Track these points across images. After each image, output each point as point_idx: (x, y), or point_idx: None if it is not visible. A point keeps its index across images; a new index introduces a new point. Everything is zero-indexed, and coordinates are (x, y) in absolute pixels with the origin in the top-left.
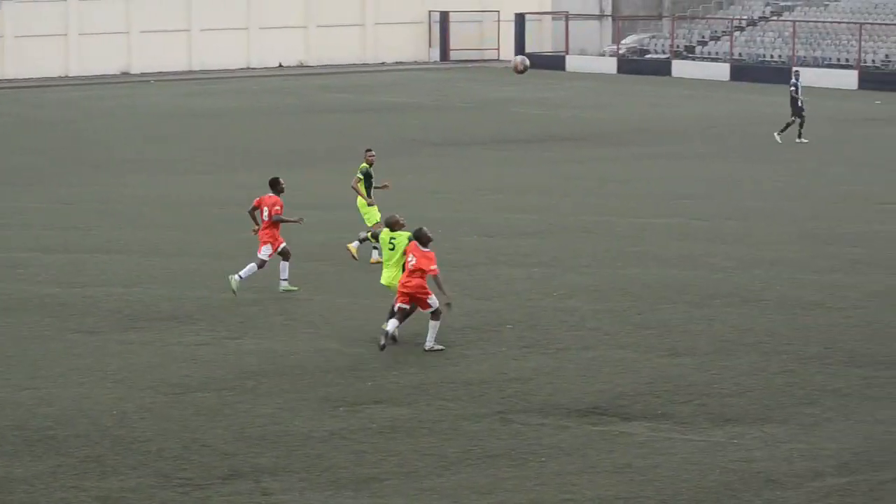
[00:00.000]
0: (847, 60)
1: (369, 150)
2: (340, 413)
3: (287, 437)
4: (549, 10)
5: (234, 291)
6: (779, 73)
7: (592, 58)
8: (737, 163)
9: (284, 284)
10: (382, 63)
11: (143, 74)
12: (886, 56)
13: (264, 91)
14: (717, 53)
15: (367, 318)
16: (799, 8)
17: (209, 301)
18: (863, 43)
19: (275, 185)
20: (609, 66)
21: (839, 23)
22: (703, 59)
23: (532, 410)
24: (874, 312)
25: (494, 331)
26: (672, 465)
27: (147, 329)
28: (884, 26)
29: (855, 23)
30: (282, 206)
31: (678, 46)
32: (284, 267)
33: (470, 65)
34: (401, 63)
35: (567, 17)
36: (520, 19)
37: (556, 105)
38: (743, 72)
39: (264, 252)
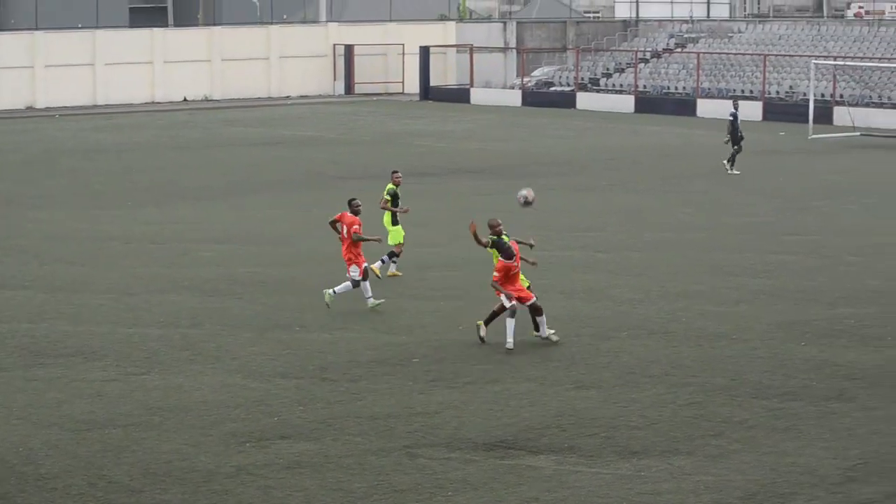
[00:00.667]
0: (751, 92)
1: (396, 172)
2: (247, 448)
3: (193, 472)
4: (453, 42)
5: (327, 305)
6: (683, 105)
7: (497, 90)
8: (641, 194)
9: (371, 302)
10: (287, 96)
11: (48, 109)
12: (790, 87)
13: (169, 125)
14: (621, 85)
15: (272, 353)
16: (703, 40)
17: (115, 337)
18: (767, 74)
19: (351, 205)
20: (514, 98)
21: (743, 54)
22: (607, 91)
23: (439, 445)
24: (780, 344)
25: (401, 365)
26: (579, 499)
27: (53, 365)
28: (787, 58)
29: (759, 54)
30: (360, 226)
31: (583, 79)
32: (366, 286)
33: (375, 98)
34: (306, 96)
35: (471, 49)
36: (424, 52)
37: (461, 138)
38: (647, 104)
39: (353, 272)
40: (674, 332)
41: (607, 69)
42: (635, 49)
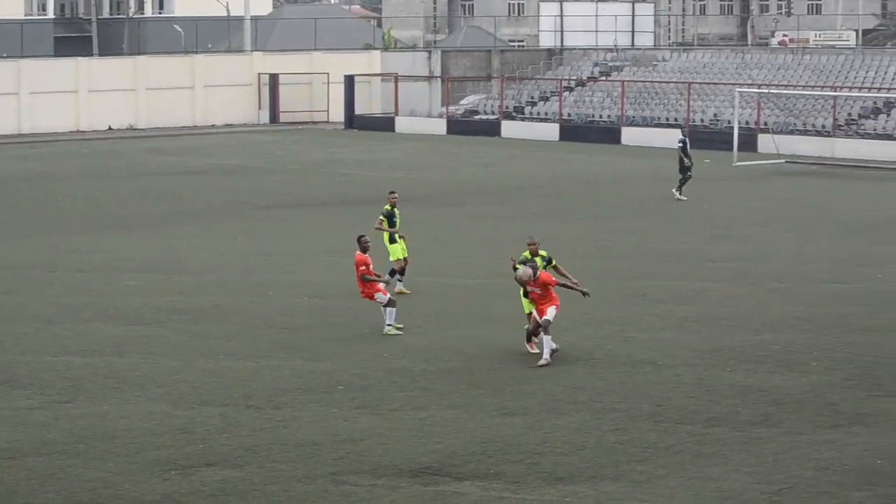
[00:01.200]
0: (676, 120)
1: (392, 193)
2: (172, 476)
3: (118, 500)
4: (378, 71)
5: (399, 330)
6: (608, 133)
7: (422, 119)
8: (566, 222)
9: (389, 329)
10: (213, 125)
11: None
12: (715, 115)
13: (94, 154)
14: (546, 114)
15: (197, 381)
16: (628, 68)
17: (39, 365)
18: (691, 102)
19: (359, 242)
20: (438, 127)
21: (668, 82)
22: (532, 119)
23: (364, 471)
24: (705, 370)
25: (326, 392)
26: None
27: None
28: (712, 86)
29: (683, 82)
30: (367, 266)
31: (507, 107)
32: (391, 313)
33: (300, 126)
34: (231, 125)
35: (396, 78)
36: (349, 81)
37: (386, 166)
38: (572, 132)
39: (380, 298)
40: (599, 358)
41: (532, 97)
42: (560, 77)
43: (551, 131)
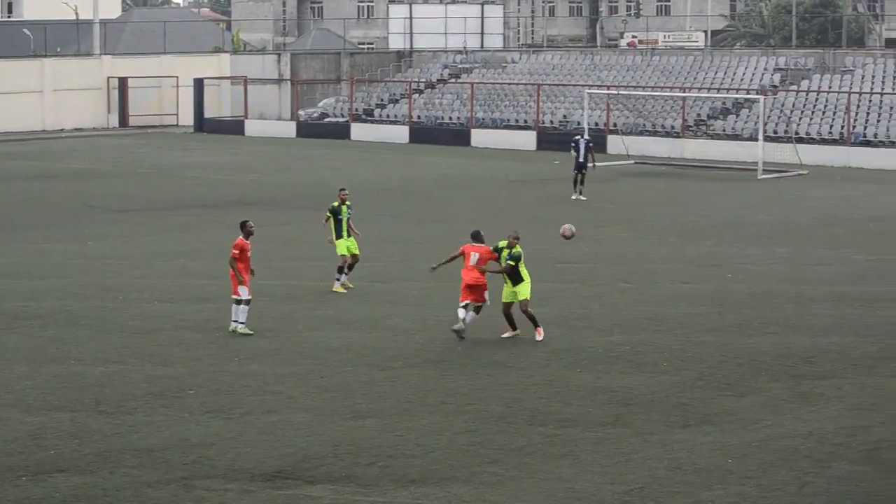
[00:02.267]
0: (525, 121)
1: (343, 190)
2: (23, 483)
3: None
4: (227, 74)
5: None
6: (457, 135)
7: (272, 122)
8: (415, 225)
9: (234, 326)
10: (62, 129)
11: None
12: (564, 116)
13: None
14: (395, 116)
15: (47, 387)
16: (477, 70)
17: None
18: (541, 104)
19: (244, 227)
20: (288, 130)
21: (517, 84)
22: (382, 122)
23: (216, 476)
24: (555, 371)
25: (177, 397)
26: None
27: None
28: (560, 87)
29: (533, 84)
30: (242, 252)
31: (357, 110)
32: (243, 311)
33: (149, 130)
34: (80, 129)
35: (246, 81)
36: (198, 84)
37: (235, 170)
38: (422, 134)
39: (243, 293)
40: (450, 360)
41: (382, 100)
42: (409, 80)
43: (401, 134)
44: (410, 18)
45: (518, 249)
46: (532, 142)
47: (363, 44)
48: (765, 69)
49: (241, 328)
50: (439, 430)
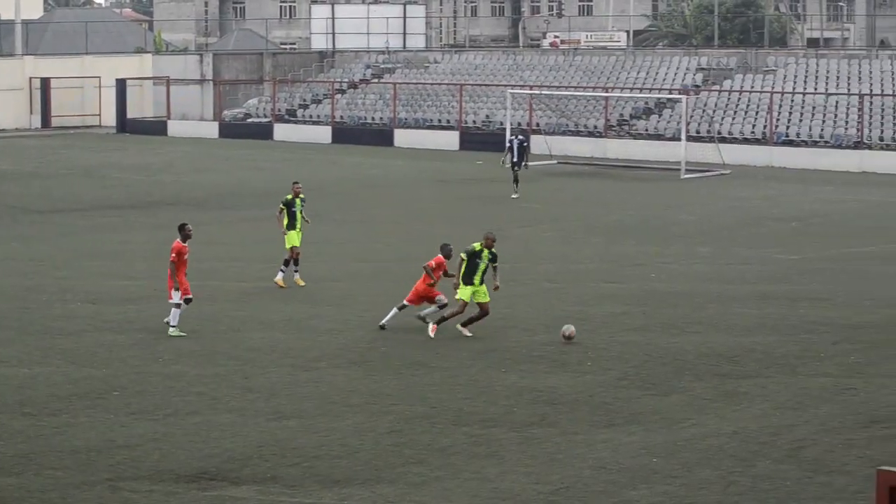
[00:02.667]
0: (448, 121)
1: (296, 183)
2: None
3: None
4: (150, 75)
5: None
6: (380, 136)
7: (194, 122)
8: (339, 225)
9: (172, 330)
10: None
11: None
12: (487, 116)
13: None
14: (318, 116)
15: None
16: (400, 70)
17: None
18: (463, 104)
19: (182, 230)
20: (211, 130)
21: (440, 84)
22: (304, 122)
23: (141, 477)
24: (480, 371)
25: (101, 398)
26: None
27: None
28: (484, 87)
29: (455, 84)
30: (179, 255)
31: (279, 110)
32: (175, 314)
33: (72, 131)
34: (2, 130)
35: (168, 81)
36: (121, 85)
37: (158, 170)
38: (344, 134)
39: (175, 296)
40: (373, 361)
41: (304, 100)
42: (332, 80)
43: (324, 134)
44: (332, 18)
45: (494, 249)
46: (455, 142)
47: (285, 44)
48: (687, 69)
49: (172, 331)
50: (364, 430)
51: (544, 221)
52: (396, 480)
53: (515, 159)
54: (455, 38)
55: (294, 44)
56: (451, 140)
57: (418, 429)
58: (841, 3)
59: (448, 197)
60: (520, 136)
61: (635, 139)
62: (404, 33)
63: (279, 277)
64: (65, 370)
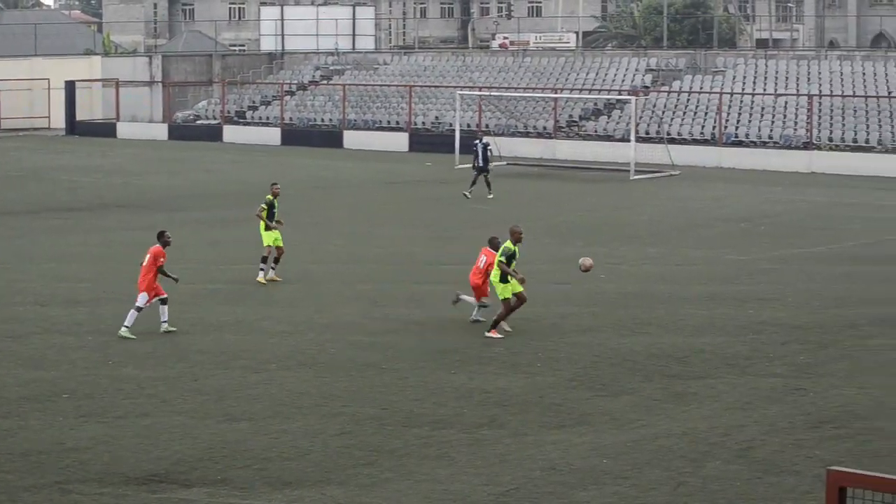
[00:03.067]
0: (398, 123)
1: (275, 184)
2: None
3: None
4: (99, 77)
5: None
6: (330, 137)
7: (143, 124)
8: (289, 227)
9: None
10: None
11: None
12: (436, 118)
13: None
14: (267, 118)
15: None
16: (349, 72)
17: None
18: (413, 105)
19: (161, 237)
20: (160, 132)
21: (389, 85)
22: (254, 124)
23: (91, 480)
24: (430, 372)
25: (51, 401)
26: None
27: None
28: (433, 89)
29: (405, 85)
30: (164, 258)
31: (229, 112)
32: (131, 316)
33: (21, 133)
34: None
35: (117, 83)
36: (70, 86)
37: (108, 172)
38: (294, 136)
39: (141, 300)
40: (324, 362)
41: (253, 102)
42: (281, 81)
43: (273, 136)
44: (282, 20)
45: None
46: (404, 143)
47: (235, 45)
48: (636, 70)
49: (124, 331)
50: (314, 432)
51: (494, 223)
52: (347, 482)
53: (481, 163)
54: (404, 40)
55: (243, 45)
56: (400, 141)
57: (368, 430)
58: (790, 5)
59: (398, 198)
60: (484, 140)
61: (585, 140)
62: (353, 35)
63: (260, 276)
64: (14, 373)
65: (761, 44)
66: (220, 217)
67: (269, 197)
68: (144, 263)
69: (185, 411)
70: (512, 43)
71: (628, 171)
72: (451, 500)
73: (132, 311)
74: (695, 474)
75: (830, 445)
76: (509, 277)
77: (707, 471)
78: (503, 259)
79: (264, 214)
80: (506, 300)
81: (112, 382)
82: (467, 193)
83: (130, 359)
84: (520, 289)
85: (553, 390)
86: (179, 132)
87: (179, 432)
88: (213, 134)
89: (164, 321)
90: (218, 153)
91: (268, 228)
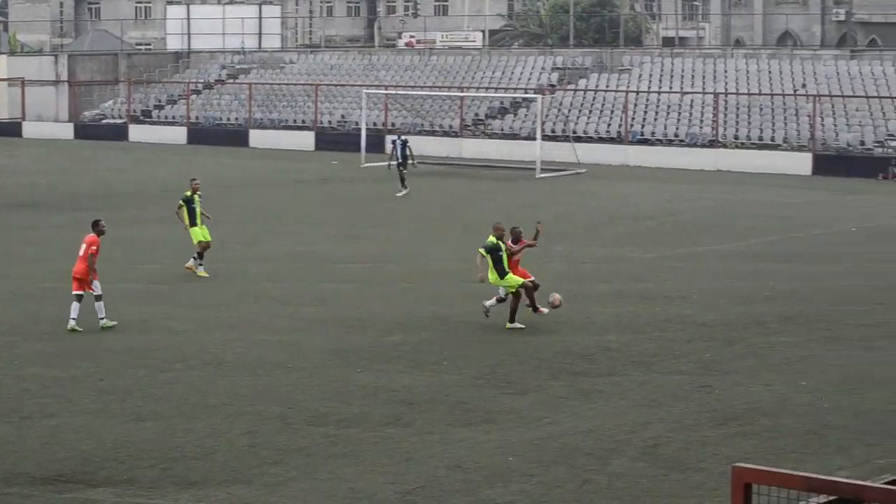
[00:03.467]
0: (304, 122)
1: (194, 180)
2: None
3: None
4: (4, 76)
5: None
6: (236, 136)
7: (49, 124)
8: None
9: (103, 322)
10: None
11: None
12: (343, 117)
13: None
14: (174, 117)
15: None
16: (255, 70)
17: None
18: (319, 104)
19: (96, 226)
20: (66, 131)
21: (295, 84)
22: (159, 123)
23: None
24: (335, 371)
25: None
26: None
27: None
28: (339, 87)
29: (311, 84)
30: (96, 248)
31: (135, 111)
32: (100, 307)
33: None
34: None
35: (23, 82)
36: None
37: (12, 172)
38: (200, 135)
39: (97, 287)
40: (229, 362)
41: (159, 101)
42: (187, 80)
43: (179, 135)
44: (188, 19)
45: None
46: (311, 142)
47: (141, 44)
48: (542, 68)
49: (105, 322)
50: (220, 431)
51: (400, 221)
52: (253, 481)
53: (400, 160)
54: (311, 39)
55: (149, 44)
56: (306, 140)
57: (274, 429)
58: (696, 3)
59: (304, 197)
60: (402, 137)
61: (491, 139)
62: (260, 34)
63: (200, 270)
64: None
65: (667, 42)
66: (125, 216)
67: (187, 193)
68: (81, 254)
69: (91, 411)
70: (418, 42)
71: (534, 169)
72: (358, 499)
73: (97, 302)
74: (601, 472)
75: (736, 442)
76: (507, 268)
77: (613, 468)
78: (484, 252)
79: (183, 212)
80: (512, 293)
81: (17, 382)
82: (400, 193)
83: (36, 359)
84: (519, 281)
85: (459, 388)
86: (85, 131)
87: (85, 432)
88: (119, 133)
89: (73, 318)
90: (124, 152)
91: (192, 225)
